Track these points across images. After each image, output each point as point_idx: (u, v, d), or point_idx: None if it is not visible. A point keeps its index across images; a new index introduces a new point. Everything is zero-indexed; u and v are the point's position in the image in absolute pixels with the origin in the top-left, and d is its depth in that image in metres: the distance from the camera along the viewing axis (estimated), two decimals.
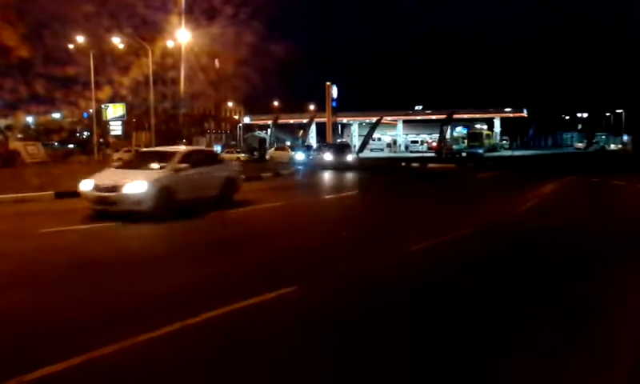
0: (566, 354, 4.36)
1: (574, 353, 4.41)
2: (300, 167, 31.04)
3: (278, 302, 5.59)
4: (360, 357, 4.31)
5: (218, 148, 61.72)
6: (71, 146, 61.29)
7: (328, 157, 32.10)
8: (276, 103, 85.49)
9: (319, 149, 38.99)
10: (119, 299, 5.70)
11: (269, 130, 77.62)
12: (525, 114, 77.19)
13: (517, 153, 61.25)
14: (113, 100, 61.61)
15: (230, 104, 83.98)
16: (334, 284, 6.40)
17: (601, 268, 7.44)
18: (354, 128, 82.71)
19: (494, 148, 67.07)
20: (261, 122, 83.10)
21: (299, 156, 39.24)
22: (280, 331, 4.87)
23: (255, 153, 48.33)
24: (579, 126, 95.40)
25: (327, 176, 26.09)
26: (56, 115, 71.07)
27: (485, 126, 78.98)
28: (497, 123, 78.56)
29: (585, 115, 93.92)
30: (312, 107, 79.56)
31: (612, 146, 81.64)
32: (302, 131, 77.39)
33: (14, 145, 36.05)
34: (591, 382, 3.96)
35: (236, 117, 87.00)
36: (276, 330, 4.88)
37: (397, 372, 4.05)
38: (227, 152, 51.18)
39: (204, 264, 7.48)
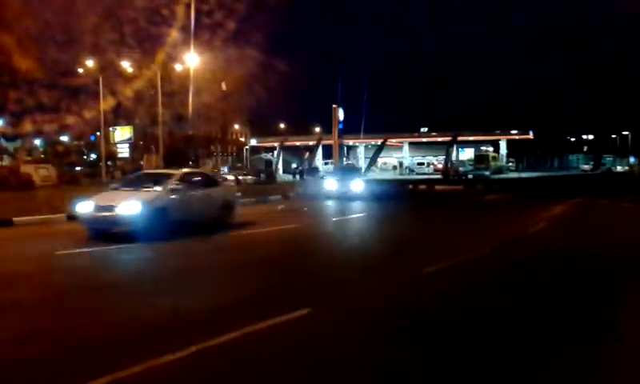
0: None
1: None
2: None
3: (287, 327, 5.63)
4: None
5: (224, 170, 62.03)
6: (78, 168, 61.66)
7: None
8: (282, 125, 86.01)
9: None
10: (120, 324, 5.75)
11: (275, 152, 77.98)
12: (531, 135, 77.26)
13: (523, 175, 61.16)
14: (117, 122, 62.03)
15: (236, 126, 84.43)
16: (348, 307, 6.44)
17: (620, 290, 7.44)
18: (360, 150, 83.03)
19: (500, 170, 67.03)
20: (267, 145, 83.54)
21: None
22: (290, 358, 4.82)
23: (262, 175, 48.63)
24: (585, 148, 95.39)
25: (332, 201, 25.96)
26: (64, 138, 71.66)
27: (491, 148, 79.12)
28: (503, 145, 78.65)
29: (591, 137, 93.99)
30: (318, 130, 80.00)
31: (618, 168, 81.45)
32: (308, 153, 77.70)
33: (26, 168, 36.40)
34: None
35: (242, 139, 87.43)
36: (285, 358, 4.84)
37: None
38: (234, 174, 51.49)
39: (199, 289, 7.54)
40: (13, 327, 5.49)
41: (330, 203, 22.71)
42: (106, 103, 44.49)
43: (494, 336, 5.40)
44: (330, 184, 26.55)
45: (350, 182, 25.96)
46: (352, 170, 35.25)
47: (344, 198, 23.84)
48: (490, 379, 4.36)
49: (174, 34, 33.49)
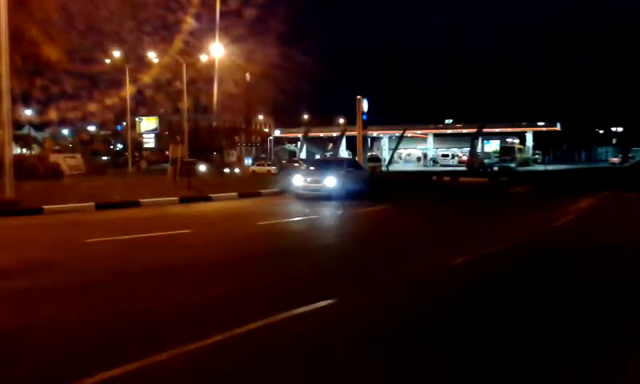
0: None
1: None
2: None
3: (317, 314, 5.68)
4: (400, 373, 4.35)
5: (248, 161, 62.38)
6: (105, 158, 62.62)
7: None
8: (306, 116, 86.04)
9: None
10: (152, 310, 5.86)
11: (299, 143, 78.11)
12: (558, 128, 76.12)
13: (550, 167, 60.33)
14: (144, 112, 62.67)
15: (260, 117, 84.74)
16: (373, 298, 6.46)
17: None
18: (384, 141, 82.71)
19: (526, 162, 66.22)
20: (291, 135, 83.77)
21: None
22: (318, 345, 4.88)
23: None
24: (614, 140, 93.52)
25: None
26: (91, 128, 72.76)
27: (517, 140, 78.10)
28: (529, 137, 77.60)
29: (620, 129, 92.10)
30: (342, 121, 79.82)
31: None
32: (331, 144, 77.66)
33: (54, 157, 37.05)
34: None
35: (266, 130, 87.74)
36: (315, 343, 4.91)
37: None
38: (258, 165, 51.82)
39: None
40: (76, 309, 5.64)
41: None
42: (129, 90, 45.02)
43: (520, 330, 5.38)
44: (298, 180, 20.51)
45: (325, 178, 19.76)
46: (334, 163, 24.43)
47: (310, 199, 19.17)
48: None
49: (197, 24, 33.68)
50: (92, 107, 39.15)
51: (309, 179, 20.17)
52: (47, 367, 4.25)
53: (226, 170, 49.08)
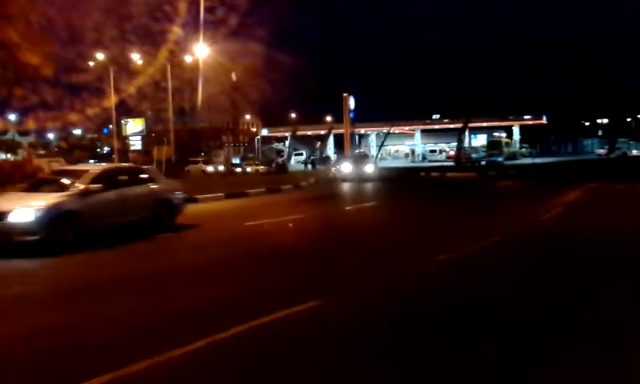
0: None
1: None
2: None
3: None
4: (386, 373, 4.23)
5: (236, 160, 62.12)
6: (91, 161, 62.04)
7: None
8: (293, 115, 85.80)
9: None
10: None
11: (286, 142, 77.89)
12: (544, 121, 76.46)
13: (537, 160, 60.61)
14: (129, 114, 62.30)
15: (247, 117, 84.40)
16: (359, 298, 6.35)
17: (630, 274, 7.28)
18: (372, 138, 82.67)
19: (513, 156, 66.45)
20: (279, 134, 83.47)
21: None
22: (304, 348, 4.79)
23: (273, 165, 48.65)
24: (600, 132, 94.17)
25: (347, 187, 26.01)
26: (77, 132, 72.14)
27: (504, 134, 78.39)
28: (516, 131, 77.90)
29: (605, 121, 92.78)
30: (329, 118, 79.71)
31: (634, 152, 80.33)
32: (319, 143, 77.50)
33: (38, 162, 36.54)
34: None
35: (254, 129, 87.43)
36: (299, 347, 4.82)
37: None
38: (246, 164, 51.54)
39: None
40: None
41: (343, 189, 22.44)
42: (109, 100, 44.58)
43: (501, 325, 5.28)
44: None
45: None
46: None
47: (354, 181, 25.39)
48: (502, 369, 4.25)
49: (181, 26, 33.36)
50: (71, 117, 38.58)
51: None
52: None
53: (210, 169, 47.96)
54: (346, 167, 31.25)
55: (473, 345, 4.77)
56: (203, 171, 44.49)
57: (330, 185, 27.43)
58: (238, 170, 46.66)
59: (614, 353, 4.57)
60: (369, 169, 30.97)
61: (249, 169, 46.69)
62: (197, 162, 47.85)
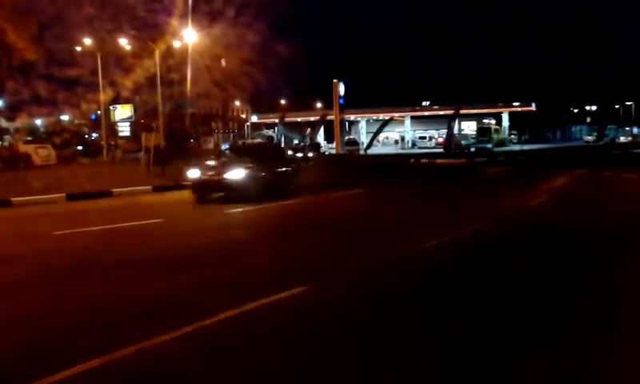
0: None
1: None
2: None
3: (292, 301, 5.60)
4: (374, 358, 4.29)
5: (225, 147, 61.81)
6: (79, 147, 61.55)
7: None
8: (283, 101, 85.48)
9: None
10: (118, 303, 5.73)
11: (276, 129, 77.66)
12: (533, 107, 76.71)
13: (526, 147, 60.94)
14: (117, 101, 61.78)
15: (237, 103, 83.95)
16: (347, 283, 6.41)
17: (623, 261, 7.38)
18: (362, 125, 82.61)
19: (502, 142, 66.80)
20: (268, 121, 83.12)
21: None
22: (291, 332, 4.83)
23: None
24: (588, 119, 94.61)
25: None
26: (65, 117, 71.41)
27: (493, 121, 78.64)
28: (505, 118, 78.13)
29: (594, 108, 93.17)
30: (319, 105, 79.48)
31: (622, 139, 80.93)
32: (309, 129, 77.39)
33: (25, 148, 36.28)
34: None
35: (243, 116, 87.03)
36: (287, 331, 4.86)
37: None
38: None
39: None
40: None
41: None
42: (106, 94, 44.22)
43: (485, 311, 5.36)
44: None
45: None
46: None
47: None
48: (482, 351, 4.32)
49: (170, 11, 33.06)
50: (63, 109, 38.23)
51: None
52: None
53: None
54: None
55: (457, 327, 4.83)
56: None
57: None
58: None
59: (599, 332, 4.65)
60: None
61: None
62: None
